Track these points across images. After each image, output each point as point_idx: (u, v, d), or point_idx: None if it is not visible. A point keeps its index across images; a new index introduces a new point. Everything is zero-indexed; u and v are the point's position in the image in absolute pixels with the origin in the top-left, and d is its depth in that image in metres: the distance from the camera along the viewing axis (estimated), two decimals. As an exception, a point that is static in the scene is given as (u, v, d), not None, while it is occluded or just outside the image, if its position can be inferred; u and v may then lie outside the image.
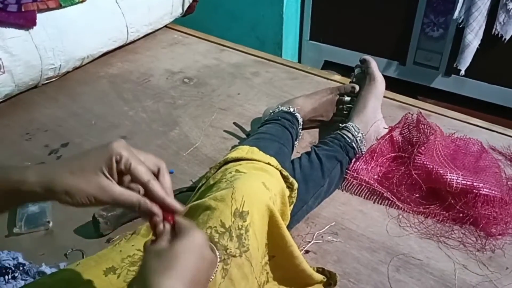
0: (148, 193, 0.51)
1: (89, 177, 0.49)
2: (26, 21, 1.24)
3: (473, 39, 1.87)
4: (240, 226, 0.68)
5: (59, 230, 0.92)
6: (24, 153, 1.13)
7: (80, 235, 0.92)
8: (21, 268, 0.81)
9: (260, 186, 0.74)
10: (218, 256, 0.61)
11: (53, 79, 1.40)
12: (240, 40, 1.72)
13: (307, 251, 0.88)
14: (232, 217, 0.68)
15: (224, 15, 2.31)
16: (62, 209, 0.96)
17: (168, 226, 0.51)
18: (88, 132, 1.21)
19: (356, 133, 1.04)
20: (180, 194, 0.97)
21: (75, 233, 0.92)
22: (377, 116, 1.10)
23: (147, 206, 0.50)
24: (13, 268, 0.80)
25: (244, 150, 0.87)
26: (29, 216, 0.92)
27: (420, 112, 1.10)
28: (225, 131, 1.21)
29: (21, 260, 0.82)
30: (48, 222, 0.92)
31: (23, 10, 1.24)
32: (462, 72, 1.95)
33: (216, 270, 0.63)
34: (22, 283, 0.78)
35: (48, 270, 0.81)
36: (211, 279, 0.61)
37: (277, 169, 0.83)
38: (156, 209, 0.51)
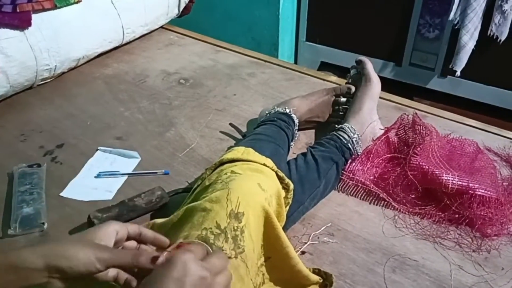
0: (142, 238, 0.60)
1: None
2: (21, 22, 1.24)
3: (469, 40, 1.88)
4: (235, 228, 0.67)
5: (54, 231, 0.92)
6: (19, 154, 1.12)
7: (75, 236, 0.91)
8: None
9: (255, 187, 0.74)
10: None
11: (48, 80, 1.39)
12: (236, 41, 1.72)
13: (303, 252, 0.88)
14: (227, 218, 0.68)
15: (220, 16, 2.31)
16: (57, 211, 0.96)
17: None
18: (83, 133, 1.21)
19: (352, 134, 1.04)
20: (176, 195, 0.97)
21: (70, 235, 0.92)
22: (373, 117, 1.10)
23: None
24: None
25: (240, 151, 0.87)
26: (24, 217, 0.92)
27: (416, 113, 1.10)
28: (221, 132, 1.21)
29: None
30: (43, 223, 0.92)
31: (18, 10, 1.24)
32: (458, 73, 1.96)
33: None
34: None
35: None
36: None
37: (272, 170, 0.83)
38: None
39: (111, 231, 0.56)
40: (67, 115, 1.28)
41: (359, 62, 1.17)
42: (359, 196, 1.01)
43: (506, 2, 1.77)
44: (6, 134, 1.20)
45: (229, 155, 0.85)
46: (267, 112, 1.13)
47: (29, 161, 1.07)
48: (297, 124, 1.11)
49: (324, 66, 2.36)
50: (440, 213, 0.95)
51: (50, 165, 1.09)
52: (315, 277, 0.79)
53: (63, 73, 1.43)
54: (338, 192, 1.02)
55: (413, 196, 0.98)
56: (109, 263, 0.52)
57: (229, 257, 0.65)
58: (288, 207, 0.85)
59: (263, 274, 0.77)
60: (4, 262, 0.52)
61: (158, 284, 0.47)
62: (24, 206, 0.94)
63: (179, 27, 1.79)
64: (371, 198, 1.00)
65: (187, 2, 1.75)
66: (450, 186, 0.91)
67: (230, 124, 1.24)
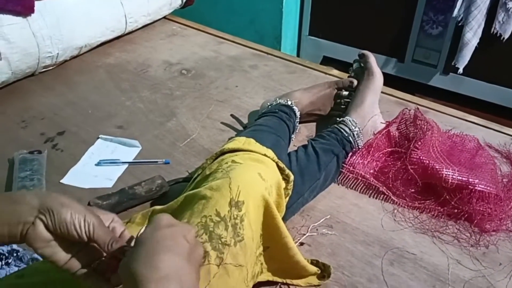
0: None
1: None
2: (24, 8, 1.23)
3: (472, 37, 1.87)
4: (235, 216, 0.68)
5: (53, 217, 0.92)
6: (19, 140, 1.13)
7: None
8: (14, 254, 0.80)
9: (256, 177, 0.74)
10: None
11: (50, 68, 1.39)
12: (239, 34, 1.71)
13: (301, 243, 0.88)
14: (227, 207, 0.68)
15: (223, 8, 2.30)
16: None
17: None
18: (84, 121, 1.21)
19: (353, 127, 1.04)
20: (176, 185, 0.97)
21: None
22: (374, 111, 1.10)
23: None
24: (6, 254, 0.80)
25: (241, 141, 0.87)
26: (23, 203, 0.92)
27: (418, 108, 1.10)
28: (222, 123, 1.21)
29: (15, 246, 0.82)
30: (43, 209, 0.92)
31: (21, -3, 1.23)
32: (460, 70, 1.96)
33: (209, 258, 0.63)
34: (16, 269, 0.78)
35: (41, 257, 0.81)
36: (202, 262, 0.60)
37: (273, 160, 0.83)
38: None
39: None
40: (68, 102, 1.28)
41: (362, 56, 1.16)
42: (359, 189, 1.01)
43: (510, 0, 1.77)
44: (7, 120, 1.20)
45: (230, 145, 0.85)
46: (268, 104, 1.13)
47: (30, 147, 1.07)
48: (299, 116, 1.11)
49: (327, 61, 2.35)
50: (439, 207, 0.95)
51: (51, 152, 1.09)
52: (313, 268, 0.80)
53: (65, 61, 1.43)
54: (338, 184, 1.02)
55: (412, 190, 0.98)
56: (94, 230, 0.52)
57: (228, 245, 0.65)
58: (288, 198, 0.86)
59: (262, 264, 0.77)
60: (5, 195, 0.54)
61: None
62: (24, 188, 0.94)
63: (182, 18, 1.79)
64: (370, 191, 1.00)
65: (190, -7, 1.75)
66: (450, 180, 0.92)
67: (231, 115, 1.24)
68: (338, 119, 1.08)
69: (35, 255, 0.81)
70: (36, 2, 1.26)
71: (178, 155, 1.10)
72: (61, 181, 1.01)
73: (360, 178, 1.01)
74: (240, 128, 1.20)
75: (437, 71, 2.13)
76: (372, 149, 1.05)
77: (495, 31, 1.85)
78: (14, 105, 1.26)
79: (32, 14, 1.25)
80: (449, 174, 0.92)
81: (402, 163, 1.00)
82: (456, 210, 0.93)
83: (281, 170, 0.83)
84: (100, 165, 1.05)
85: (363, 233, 0.91)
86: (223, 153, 0.84)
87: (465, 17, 1.86)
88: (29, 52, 1.27)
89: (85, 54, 1.49)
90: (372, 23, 2.19)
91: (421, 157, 0.96)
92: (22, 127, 1.18)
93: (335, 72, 1.44)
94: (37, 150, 1.05)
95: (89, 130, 1.17)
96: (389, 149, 1.06)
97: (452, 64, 1.97)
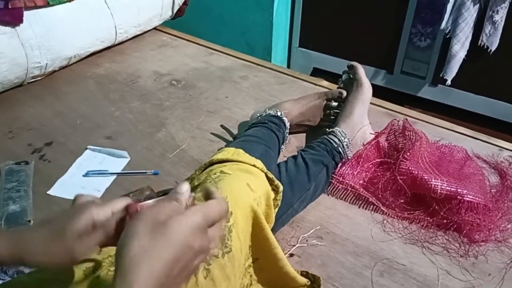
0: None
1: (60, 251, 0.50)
2: (12, 18, 1.23)
3: (460, 49, 1.90)
4: (223, 227, 0.67)
5: (39, 229, 0.90)
6: (6, 151, 1.11)
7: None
8: (-1, 267, 0.79)
9: (244, 187, 0.74)
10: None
11: (39, 78, 1.38)
12: (229, 46, 1.72)
13: (291, 255, 0.88)
14: (215, 218, 0.67)
15: (214, 19, 2.31)
16: (44, 209, 0.95)
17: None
18: (73, 132, 1.20)
19: (342, 138, 1.04)
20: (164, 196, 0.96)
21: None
22: (363, 122, 1.10)
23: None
24: (-10, 267, 0.78)
25: (230, 152, 0.86)
26: (9, 215, 0.91)
27: (406, 119, 1.11)
28: (212, 133, 1.21)
29: (-1, 259, 0.80)
30: (29, 221, 0.91)
31: (10, 7, 1.23)
32: (449, 82, 1.98)
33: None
34: (0, 282, 0.76)
35: (27, 270, 0.79)
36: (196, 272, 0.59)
37: (262, 171, 0.83)
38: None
39: (88, 223, 0.51)
40: (56, 113, 1.27)
41: (351, 67, 1.17)
42: (349, 200, 1.01)
43: (497, 13, 1.80)
44: (-6, 131, 1.19)
45: (219, 156, 0.85)
46: (258, 114, 1.13)
47: (17, 158, 1.06)
48: (288, 127, 1.11)
49: (317, 72, 2.37)
50: (429, 218, 0.95)
51: (38, 163, 1.08)
52: (303, 280, 0.79)
53: (54, 71, 1.42)
54: (328, 195, 1.02)
55: (402, 200, 0.98)
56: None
57: (216, 256, 0.65)
58: (277, 209, 0.85)
59: (251, 276, 0.76)
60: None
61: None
62: (10, 203, 0.93)
63: (173, 29, 1.79)
64: (360, 202, 1.00)
65: (181, 4, 1.75)
66: (438, 191, 0.92)
67: (221, 126, 1.24)
68: (327, 129, 1.09)
69: (21, 268, 0.80)
70: (25, 12, 1.26)
71: (167, 166, 1.09)
72: (48, 192, 1.00)
73: (349, 188, 1.01)
74: (230, 138, 1.19)
75: (426, 83, 2.16)
76: (362, 159, 1.05)
77: (482, 44, 1.88)
78: (1, 115, 1.25)
79: (21, 24, 1.25)
80: (437, 185, 0.92)
81: (391, 174, 1.00)
82: (445, 221, 0.94)
83: (270, 180, 0.83)
84: (88, 176, 1.04)
85: (353, 244, 0.91)
86: (212, 163, 0.83)
87: (452, 29, 1.89)
88: (18, 62, 1.26)
89: (74, 65, 1.48)
90: (362, 35, 2.21)
91: (410, 168, 0.96)
92: (9, 137, 1.17)
93: (325, 83, 1.45)
94: (24, 161, 1.04)
95: (77, 141, 1.16)
96: (379, 160, 1.06)
97: (441, 75, 2.00)
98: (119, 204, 0.52)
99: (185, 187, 0.49)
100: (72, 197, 0.93)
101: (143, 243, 0.42)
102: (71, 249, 0.50)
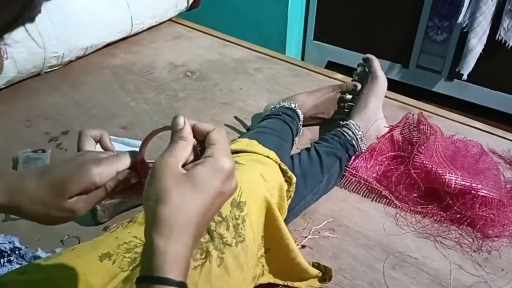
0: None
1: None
2: (31, 8, 1.24)
3: (477, 44, 1.87)
4: (237, 216, 0.68)
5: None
6: (24, 139, 1.13)
7: (77, 222, 0.91)
8: (17, 252, 0.81)
9: (258, 178, 0.74)
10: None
11: (56, 68, 1.40)
12: (244, 38, 1.71)
13: (303, 246, 0.88)
14: (229, 207, 0.68)
15: (228, 11, 2.31)
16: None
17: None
18: (88, 121, 1.21)
19: (356, 131, 1.04)
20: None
21: (72, 221, 0.92)
22: (378, 115, 1.10)
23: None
24: (9, 252, 0.80)
25: (244, 143, 0.87)
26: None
27: (421, 113, 1.10)
28: (225, 125, 1.21)
29: (17, 244, 0.82)
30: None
31: (28, -3, 1.24)
32: (465, 77, 1.95)
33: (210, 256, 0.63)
34: (17, 266, 0.78)
35: (43, 255, 0.81)
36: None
37: (276, 162, 0.83)
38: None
39: (90, 184, 0.50)
40: (73, 102, 1.29)
41: (366, 60, 1.16)
42: (361, 193, 1.01)
43: (516, 7, 1.77)
44: (12, 119, 1.21)
45: (233, 146, 0.85)
46: (272, 106, 1.13)
47: (34, 146, 1.07)
48: (302, 119, 1.11)
49: (331, 66, 2.35)
50: (442, 212, 0.95)
51: (55, 151, 1.09)
52: (314, 271, 0.79)
53: (71, 61, 1.44)
54: (340, 188, 1.02)
55: (415, 194, 0.98)
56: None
57: (230, 245, 0.65)
58: (290, 201, 0.86)
59: (263, 266, 0.77)
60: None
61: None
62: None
63: (188, 20, 1.79)
64: (373, 195, 1.00)
65: (196, -5, 1.76)
66: (452, 185, 0.91)
67: (235, 117, 1.24)
68: (341, 122, 1.08)
69: (37, 253, 0.82)
70: (43, 3, 1.27)
71: (181, 156, 1.10)
72: (64, 180, 1.01)
73: (362, 181, 1.01)
74: (244, 130, 1.20)
75: (442, 77, 2.13)
76: (375, 153, 1.05)
77: (500, 38, 1.85)
78: (19, 104, 1.27)
79: (39, 14, 1.26)
80: (452, 179, 0.92)
81: (405, 168, 1.00)
82: (458, 215, 0.93)
83: (283, 172, 0.83)
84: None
85: (365, 236, 0.91)
86: (226, 154, 0.84)
87: (470, 23, 1.86)
88: (35, 52, 1.28)
89: (90, 55, 1.49)
90: (377, 28, 2.19)
91: (424, 162, 0.96)
92: (27, 126, 1.19)
93: (339, 76, 1.45)
94: (41, 149, 1.06)
95: (93, 130, 1.17)
96: (392, 153, 1.06)
97: (457, 70, 1.97)
98: (124, 161, 0.51)
99: (181, 120, 0.49)
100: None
101: (174, 198, 0.42)
102: (69, 206, 0.50)
